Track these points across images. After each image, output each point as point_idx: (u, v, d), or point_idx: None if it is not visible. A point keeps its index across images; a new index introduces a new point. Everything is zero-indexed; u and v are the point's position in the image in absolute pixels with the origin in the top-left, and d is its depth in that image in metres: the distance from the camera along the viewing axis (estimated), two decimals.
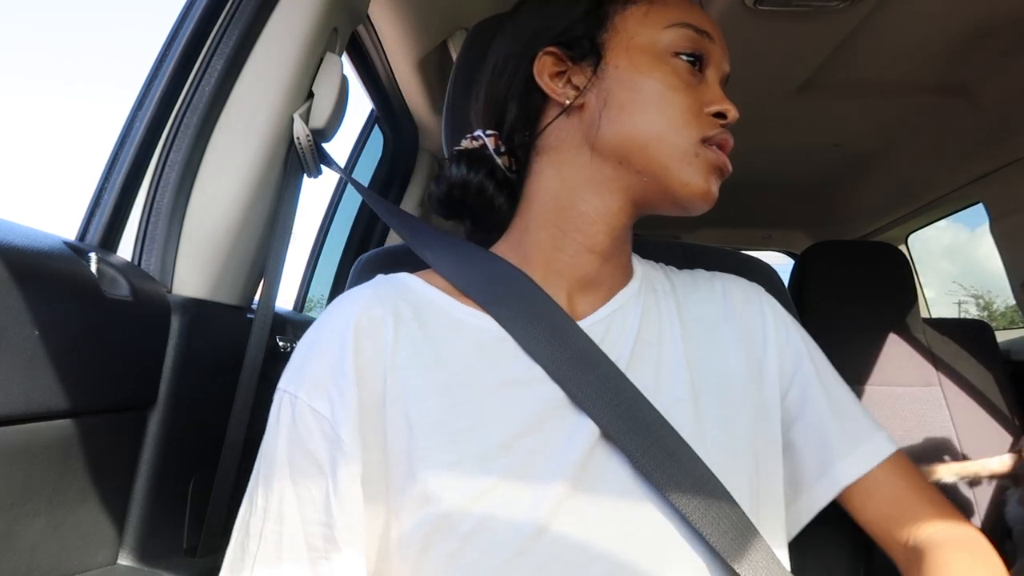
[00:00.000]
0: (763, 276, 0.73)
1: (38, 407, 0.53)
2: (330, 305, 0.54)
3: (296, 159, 0.82)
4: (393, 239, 1.72)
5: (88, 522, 0.61)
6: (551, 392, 0.50)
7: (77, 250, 0.62)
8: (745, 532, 0.48)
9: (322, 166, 0.85)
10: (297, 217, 0.86)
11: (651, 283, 0.60)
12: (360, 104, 1.55)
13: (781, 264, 2.86)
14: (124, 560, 0.65)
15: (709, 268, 0.67)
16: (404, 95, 1.51)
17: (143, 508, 0.66)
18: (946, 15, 1.15)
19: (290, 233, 0.85)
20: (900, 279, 1.51)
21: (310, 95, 0.83)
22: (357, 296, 0.53)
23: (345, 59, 0.97)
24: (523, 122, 0.58)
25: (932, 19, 1.17)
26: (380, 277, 0.56)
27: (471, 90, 0.65)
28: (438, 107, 1.56)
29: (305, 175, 0.86)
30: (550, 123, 0.57)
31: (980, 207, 1.73)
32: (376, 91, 1.46)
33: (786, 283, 1.16)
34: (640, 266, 0.62)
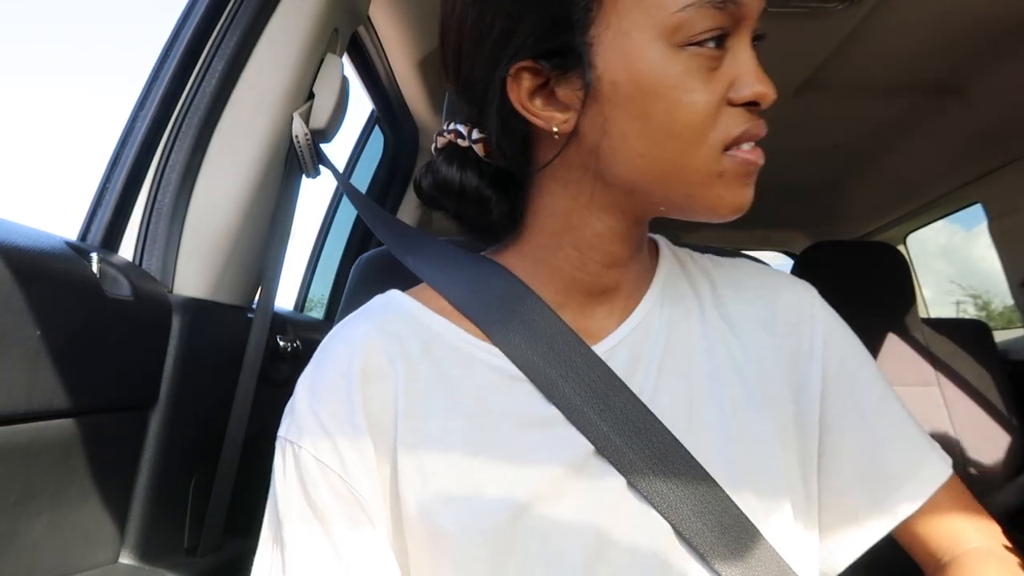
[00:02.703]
0: None
1: (40, 406, 0.53)
2: (329, 342, 0.49)
3: (296, 159, 0.82)
4: None
5: (90, 521, 0.61)
6: (574, 436, 0.46)
7: (79, 250, 0.62)
8: None
9: (320, 167, 0.86)
10: (297, 217, 0.86)
11: (677, 285, 0.53)
12: (361, 104, 1.55)
13: (780, 264, 2.86)
14: (125, 559, 0.65)
15: None
16: (404, 96, 1.51)
17: (144, 507, 0.67)
18: (944, 16, 1.16)
19: (289, 233, 0.85)
20: (899, 279, 1.52)
21: (311, 96, 0.83)
22: (360, 334, 0.48)
23: (346, 60, 0.97)
24: (509, 142, 0.47)
25: (930, 20, 1.17)
26: (378, 307, 0.51)
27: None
28: (438, 107, 1.56)
29: (304, 175, 0.86)
30: (540, 149, 0.48)
31: (978, 207, 1.74)
32: (376, 92, 1.46)
33: None
34: (664, 263, 0.54)
